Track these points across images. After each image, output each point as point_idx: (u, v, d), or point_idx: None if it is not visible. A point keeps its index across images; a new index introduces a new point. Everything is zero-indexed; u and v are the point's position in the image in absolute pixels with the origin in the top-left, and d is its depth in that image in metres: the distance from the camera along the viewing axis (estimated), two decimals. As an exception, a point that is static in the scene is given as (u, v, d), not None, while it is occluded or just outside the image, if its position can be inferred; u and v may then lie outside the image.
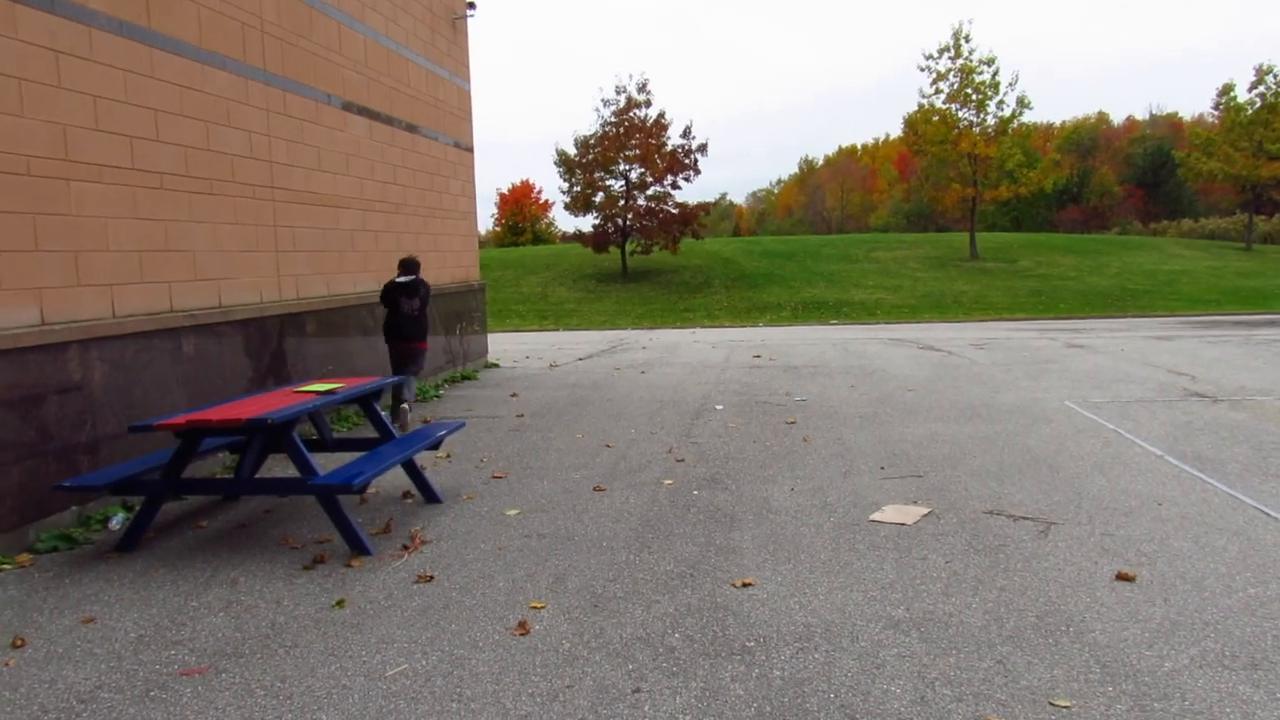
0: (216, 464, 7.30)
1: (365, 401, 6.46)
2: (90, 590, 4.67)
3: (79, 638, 4.06)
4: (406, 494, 6.41)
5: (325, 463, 6.12)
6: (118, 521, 5.84)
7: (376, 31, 10.47)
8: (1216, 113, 40.79)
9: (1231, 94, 38.11)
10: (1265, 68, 36.69)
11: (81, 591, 4.66)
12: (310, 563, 4.98)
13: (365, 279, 10.16)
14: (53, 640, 4.04)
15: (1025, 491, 6.11)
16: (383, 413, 6.63)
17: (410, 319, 9.40)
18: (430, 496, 6.25)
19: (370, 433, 7.84)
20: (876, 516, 5.60)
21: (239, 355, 7.74)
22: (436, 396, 11.25)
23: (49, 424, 5.64)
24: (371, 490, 6.53)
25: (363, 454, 5.87)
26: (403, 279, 9.37)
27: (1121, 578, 4.44)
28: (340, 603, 4.40)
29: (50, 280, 5.69)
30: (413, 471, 6.26)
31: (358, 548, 5.11)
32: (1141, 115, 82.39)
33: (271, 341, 8.24)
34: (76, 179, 5.90)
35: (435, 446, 6.46)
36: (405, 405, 9.04)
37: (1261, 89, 36.93)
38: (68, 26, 5.81)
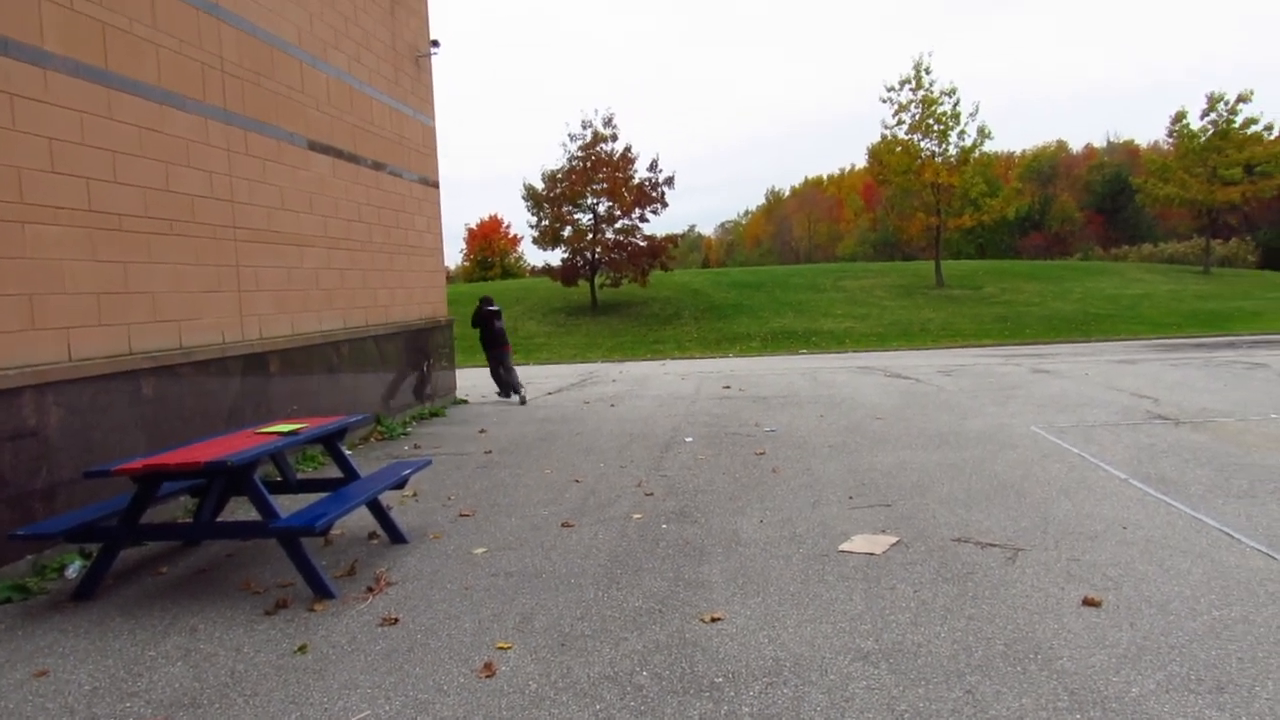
0: (178, 508, 7.17)
1: (329, 441, 6.38)
2: (44, 642, 4.55)
3: (30, 692, 3.94)
4: (372, 534, 6.33)
5: (289, 504, 6.02)
6: (74, 570, 5.71)
7: (339, 70, 10.48)
8: (1171, 140, 41.71)
9: (1184, 121, 39.02)
10: (1216, 96, 37.63)
11: (35, 643, 4.53)
12: (272, 607, 4.88)
13: (330, 317, 10.09)
14: (3, 696, 3.91)
15: (993, 518, 6.13)
16: (347, 455, 6.54)
17: (501, 332, 14.88)
18: (396, 536, 6.17)
19: (335, 472, 7.73)
20: (845, 547, 5.59)
21: (201, 396, 7.63)
22: (404, 433, 11.15)
23: (2, 471, 5.51)
24: (336, 531, 6.44)
25: (327, 495, 5.79)
26: (491, 308, 14.96)
27: (1088, 603, 4.45)
28: (302, 648, 4.31)
29: (4, 324, 5.59)
30: (378, 511, 6.18)
31: (321, 591, 5.02)
32: (1100, 143, 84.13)
33: (234, 382, 8.14)
34: (31, 221, 5.82)
35: (401, 486, 6.40)
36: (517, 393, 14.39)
37: (1213, 116, 37.84)
38: (21, 69, 5.76)
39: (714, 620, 4.45)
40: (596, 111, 60.15)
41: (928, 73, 35.38)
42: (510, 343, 15.07)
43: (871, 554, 5.42)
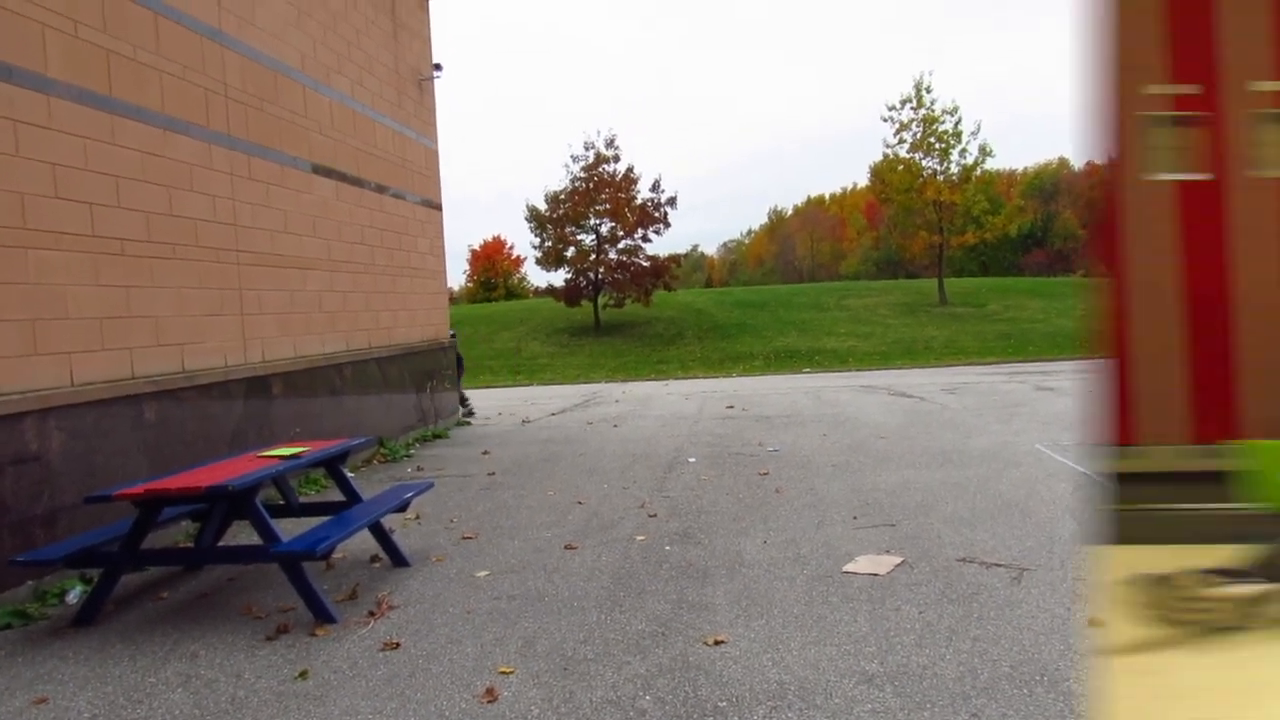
0: (180, 532, 7.15)
1: (331, 464, 6.37)
2: (44, 669, 4.53)
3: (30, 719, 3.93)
4: (374, 557, 6.30)
5: (291, 528, 6.01)
6: (75, 595, 5.68)
7: (343, 94, 10.54)
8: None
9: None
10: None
11: (35, 670, 4.51)
12: (273, 633, 4.86)
13: (333, 339, 10.10)
14: (2, 723, 3.90)
15: (998, 538, 6.09)
16: (349, 478, 6.53)
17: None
18: (398, 560, 6.15)
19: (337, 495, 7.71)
20: (849, 567, 5.56)
21: (203, 420, 7.63)
22: (407, 456, 11.14)
23: (4, 497, 5.51)
24: (338, 555, 6.41)
25: (329, 518, 5.77)
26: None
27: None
28: (303, 674, 4.28)
29: (6, 350, 5.60)
30: (380, 534, 6.16)
31: (322, 616, 5.00)
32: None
33: (236, 405, 8.14)
34: (34, 247, 5.84)
35: (403, 508, 6.37)
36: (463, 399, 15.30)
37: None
38: (25, 95, 5.80)
39: (717, 643, 4.42)
40: (599, 132, 60.15)
41: (929, 91, 35.54)
42: (464, 366, 16.37)
43: (876, 575, 5.39)
